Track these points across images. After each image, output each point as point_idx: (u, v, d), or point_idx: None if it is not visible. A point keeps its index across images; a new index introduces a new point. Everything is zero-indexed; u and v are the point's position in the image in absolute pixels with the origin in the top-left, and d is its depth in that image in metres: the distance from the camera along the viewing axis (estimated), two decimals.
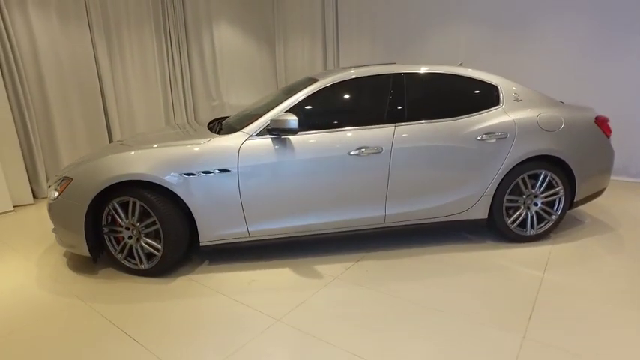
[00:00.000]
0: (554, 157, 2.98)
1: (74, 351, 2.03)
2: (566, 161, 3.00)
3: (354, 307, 2.34)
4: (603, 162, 3.19)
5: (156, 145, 2.71)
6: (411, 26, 5.77)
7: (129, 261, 2.76)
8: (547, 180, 3.03)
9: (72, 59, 4.72)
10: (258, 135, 2.74)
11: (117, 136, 5.21)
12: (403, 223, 2.97)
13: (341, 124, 2.84)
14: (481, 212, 3.02)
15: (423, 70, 3.04)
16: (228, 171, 2.66)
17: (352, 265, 2.86)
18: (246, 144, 2.70)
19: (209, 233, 2.75)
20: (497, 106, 3.01)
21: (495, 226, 3.09)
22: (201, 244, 2.77)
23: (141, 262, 2.73)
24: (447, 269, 2.76)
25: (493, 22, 5.19)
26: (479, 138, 2.88)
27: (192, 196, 2.64)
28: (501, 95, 3.05)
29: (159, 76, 5.71)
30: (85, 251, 2.69)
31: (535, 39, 4.98)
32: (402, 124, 2.86)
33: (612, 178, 4.79)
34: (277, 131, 2.65)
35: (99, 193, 2.60)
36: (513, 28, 5.09)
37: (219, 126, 3.24)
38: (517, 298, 2.39)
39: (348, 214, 2.86)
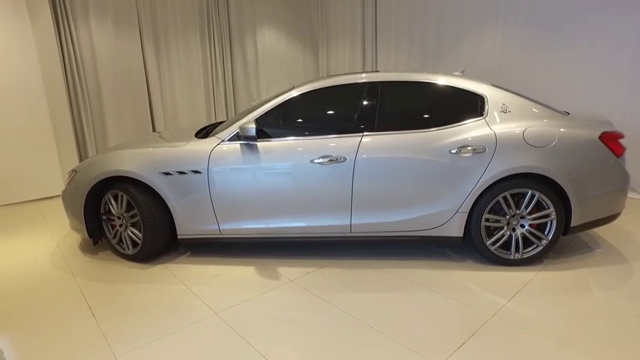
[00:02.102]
0: (543, 175, 2.70)
1: (41, 316, 2.42)
2: (557, 181, 2.70)
3: (291, 312, 2.42)
4: (611, 183, 2.80)
5: (145, 147, 3.05)
6: (447, 29, 5.52)
7: (120, 246, 3.16)
8: (534, 200, 2.76)
9: (124, 62, 5.40)
10: (229, 140, 2.93)
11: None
12: (371, 235, 2.93)
13: (310, 132, 2.91)
14: (455, 230, 2.85)
15: (402, 78, 2.95)
16: (200, 172, 2.89)
17: (313, 270, 2.92)
18: (217, 148, 2.91)
19: (185, 228, 3.02)
20: (480, 118, 2.81)
21: (474, 246, 2.90)
22: (178, 237, 3.05)
23: (128, 248, 3.10)
24: (405, 286, 2.68)
25: (530, 23, 4.74)
26: (453, 151, 2.73)
27: (170, 193, 2.93)
28: (486, 106, 2.84)
29: (202, 77, 6.23)
30: (85, 235, 3.14)
31: (574, 40, 4.44)
32: (370, 133, 2.83)
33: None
34: (243, 138, 2.82)
35: (101, 184, 3.04)
36: (551, 29, 4.60)
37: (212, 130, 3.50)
38: (461, 324, 2.25)
39: (313, 220, 2.91)
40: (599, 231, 3.47)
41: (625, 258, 2.98)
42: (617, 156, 2.76)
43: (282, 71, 7.07)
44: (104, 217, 3.15)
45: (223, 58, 6.38)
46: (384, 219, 2.87)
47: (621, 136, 2.81)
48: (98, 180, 2.98)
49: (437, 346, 2.08)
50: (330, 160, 2.78)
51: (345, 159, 2.78)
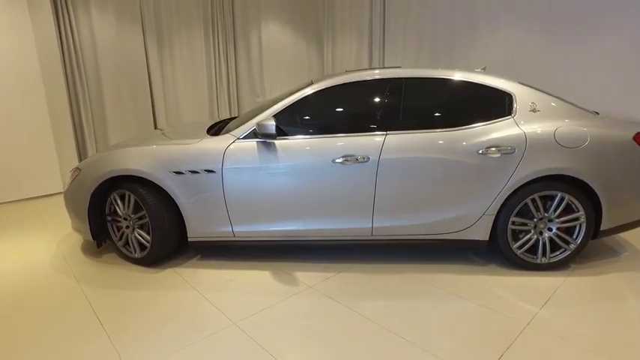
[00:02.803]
0: (574, 177, 2.60)
1: (46, 329, 2.25)
2: (589, 183, 2.59)
3: (312, 321, 2.28)
4: None
5: (153, 144, 2.88)
6: (458, 26, 5.39)
7: (126, 249, 2.99)
8: (564, 203, 2.65)
9: (125, 57, 5.20)
10: (245, 138, 2.77)
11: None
12: (392, 238, 2.80)
13: (331, 130, 2.76)
14: (481, 233, 2.74)
15: (427, 75, 2.82)
16: (214, 172, 2.73)
17: (333, 275, 2.79)
18: (232, 146, 2.75)
19: (196, 230, 2.86)
20: (508, 117, 2.69)
21: (500, 250, 2.79)
22: (189, 239, 2.90)
23: (135, 251, 2.94)
24: (430, 292, 2.56)
25: (543, 21, 4.64)
26: (480, 151, 2.61)
27: (181, 193, 2.77)
28: (515, 104, 2.72)
29: (205, 72, 6.04)
30: (88, 236, 2.96)
31: (592, 37, 4.35)
32: (395, 132, 2.69)
33: None
34: (261, 135, 2.67)
35: (107, 183, 2.86)
36: (568, 25, 4.49)
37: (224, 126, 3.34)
38: (495, 335, 2.14)
39: (332, 223, 2.78)
40: (623, 234, 3.38)
41: None
42: None
43: (287, 67, 6.90)
44: (109, 219, 2.98)
45: (227, 54, 6.20)
46: (407, 222, 2.74)
47: None
48: (105, 179, 2.81)
49: (474, 358, 1.96)
50: (352, 160, 2.64)
51: (368, 159, 2.64)
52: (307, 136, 2.74)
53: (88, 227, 2.92)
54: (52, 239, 3.47)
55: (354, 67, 6.77)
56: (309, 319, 2.29)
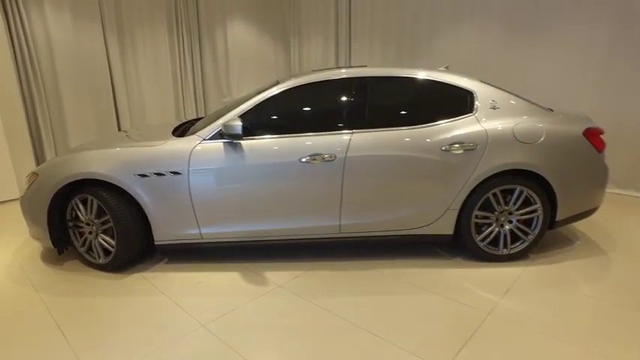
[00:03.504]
0: (532, 171, 2.72)
1: (3, 340, 2.15)
2: (545, 177, 2.72)
3: (282, 319, 2.29)
4: (593, 178, 2.87)
5: (116, 146, 2.80)
6: (423, 24, 5.53)
7: (90, 255, 2.89)
8: (523, 196, 2.77)
9: (84, 55, 5.01)
10: (211, 139, 2.74)
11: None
12: (360, 234, 2.85)
13: (297, 130, 2.77)
14: (446, 227, 2.83)
15: (392, 74, 2.88)
16: (180, 173, 2.69)
17: (301, 274, 2.80)
18: (199, 147, 2.72)
19: (163, 233, 2.81)
20: (470, 114, 2.79)
21: (464, 243, 2.89)
22: (155, 243, 2.84)
23: (99, 257, 2.85)
24: (397, 286, 2.62)
25: (504, 19, 4.83)
26: (443, 148, 2.69)
27: (146, 196, 2.71)
28: (476, 102, 2.82)
29: (170, 72, 5.91)
30: (48, 244, 2.84)
31: (551, 37, 4.57)
32: (361, 131, 2.73)
33: (619, 192, 4.39)
34: (227, 136, 2.64)
35: (66, 188, 2.75)
36: (526, 26, 4.70)
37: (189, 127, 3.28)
38: (459, 325, 2.21)
39: (301, 221, 2.79)
40: (576, 224, 3.58)
41: (602, 250, 3.07)
42: (599, 151, 2.83)
43: (254, 66, 6.85)
44: (71, 224, 2.87)
45: (192, 53, 6.09)
46: (374, 218, 2.79)
47: (602, 132, 2.88)
48: (65, 183, 2.70)
49: (439, 349, 2.02)
50: (319, 159, 2.66)
51: (334, 157, 2.67)
52: (274, 136, 2.74)
53: (48, 234, 2.81)
54: (8, 248, 3.30)
55: (321, 66, 6.80)
56: (278, 318, 2.30)
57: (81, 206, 2.79)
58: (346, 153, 2.67)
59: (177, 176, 2.69)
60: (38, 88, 4.60)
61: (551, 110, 3.05)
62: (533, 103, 2.94)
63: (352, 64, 6.39)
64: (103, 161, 2.71)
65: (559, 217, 2.84)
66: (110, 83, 5.28)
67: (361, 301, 2.46)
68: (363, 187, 2.72)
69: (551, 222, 2.88)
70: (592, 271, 2.75)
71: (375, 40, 6.02)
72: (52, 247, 2.87)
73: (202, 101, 6.36)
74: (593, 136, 2.80)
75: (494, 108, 2.81)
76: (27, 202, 2.84)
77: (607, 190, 4.45)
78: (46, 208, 2.74)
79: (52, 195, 2.72)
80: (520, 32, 4.76)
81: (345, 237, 2.85)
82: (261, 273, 2.83)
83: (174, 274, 2.83)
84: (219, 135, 2.72)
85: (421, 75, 2.88)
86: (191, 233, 2.81)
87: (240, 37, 6.61)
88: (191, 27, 5.99)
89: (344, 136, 2.71)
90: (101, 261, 2.84)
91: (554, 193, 2.78)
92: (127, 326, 2.25)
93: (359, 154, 2.68)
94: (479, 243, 2.85)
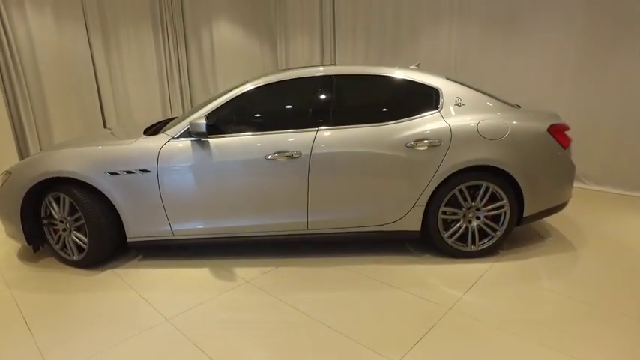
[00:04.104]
0: (497, 167, 2.75)
1: None
2: (511, 173, 2.75)
3: (246, 314, 2.33)
4: (559, 174, 2.90)
5: (88, 145, 2.85)
6: (405, 22, 5.57)
7: (64, 252, 2.94)
8: (489, 193, 2.80)
9: (68, 55, 5.05)
10: (179, 137, 2.78)
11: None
12: (328, 231, 2.89)
13: (264, 128, 2.82)
14: (413, 224, 2.86)
15: (357, 71, 2.91)
16: (149, 171, 2.73)
17: (270, 270, 2.84)
18: (167, 146, 2.76)
19: (135, 230, 2.85)
20: (435, 111, 2.82)
21: (432, 240, 2.92)
22: (128, 240, 2.88)
23: (73, 253, 2.90)
24: (362, 283, 2.65)
25: (484, 17, 4.86)
26: (408, 145, 2.72)
27: (117, 194, 2.75)
28: (441, 99, 2.85)
29: (156, 71, 5.96)
30: (23, 241, 2.90)
31: (527, 36, 4.59)
32: (326, 128, 2.77)
33: (597, 189, 4.41)
34: (193, 134, 2.69)
35: (40, 186, 2.80)
36: (504, 23, 4.73)
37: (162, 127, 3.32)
38: (419, 320, 2.25)
39: (269, 218, 2.83)
40: (550, 220, 3.60)
41: (572, 246, 3.10)
42: (564, 147, 2.85)
43: (240, 66, 6.88)
44: (45, 222, 2.92)
45: (178, 52, 6.13)
46: (341, 215, 2.83)
47: (567, 128, 2.90)
48: (37, 182, 2.75)
49: (395, 343, 2.06)
50: (284, 156, 2.70)
51: (300, 154, 2.70)
52: (241, 134, 2.78)
53: (22, 232, 2.86)
54: None
55: (307, 65, 6.84)
56: (241, 313, 2.34)
57: (54, 204, 2.84)
58: (311, 150, 2.71)
59: (147, 174, 2.73)
60: (22, 89, 4.65)
61: (519, 107, 3.08)
62: (500, 99, 2.97)
63: (337, 63, 6.42)
64: (74, 160, 2.76)
65: (526, 213, 2.87)
66: (95, 82, 5.32)
67: (325, 296, 2.50)
68: (329, 183, 2.75)
69: (519, 218, 2.91)
70: (558, 267, 2.78)
71: (358, 39, 6.06)
72: (27, 245, 2.92)
73: (189, 100, 6.41)
74: (557, 132, 2.83)
75: (459, 105, 2.84)
76: (0, 201, 2.90)
77: (584, 186, 4.53)
78: (19, 206, 2.79)
79: (24, 193, 2.77)
80: (497, 31, 4.78)
81: (313, 234, 2.89)
82: (230, 269, 2.87)
83: (146, 270, 2.88)
84: (187, 133, 2.77)
85: (388, 73, 2.91)
86: (162, 230, 2.85)
87: (227, 36, 6.65)
88: (176, 27, 6.03)
89: (309, 134, 2.74)
90: (75, 258, 2.89)
91: (520, 190, 2.80)
92: (94, 322, 2.30)
93: (324, 152, 2.71)
94: (447, 239, 2.88)
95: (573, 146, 3.02)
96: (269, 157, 2.70)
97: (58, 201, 2.83)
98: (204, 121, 2.60)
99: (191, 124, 2.63)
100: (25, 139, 4.77)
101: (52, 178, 2.78)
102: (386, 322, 2.24)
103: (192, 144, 2.75)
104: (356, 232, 2.89)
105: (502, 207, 2.83)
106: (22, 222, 2.84)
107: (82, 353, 2.03)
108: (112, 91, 5.52)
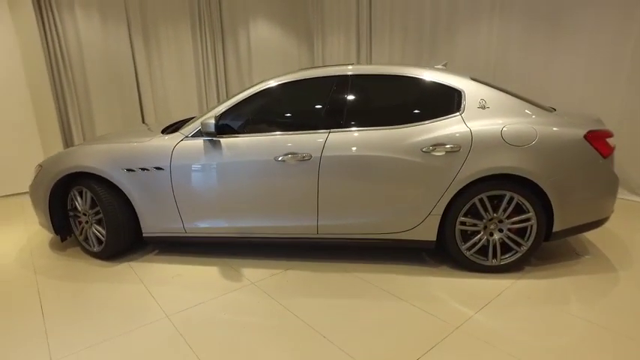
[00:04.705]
0: (522, 176, 2.51)
1: None
2: (538, 183, 2.50)
3: (244, 317, 2.30)
4: (597, 186, 2.59)
5: (111, 141, 2.97)
6: (442, 20, 5.30)
7: (86, 243, 3.09)
8: (513, 203, 2.57)
9: (112, 54, 5.35)
10: (193, 136, 2.82)
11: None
12: (339, 237, 2.79)
13: (276, 129, 2.77)
14: (428, 233, 2.69)
15: (375, 72, 2.78)
16: (163, 169, 2.79)
17: (278, 273, 2.80)
18: (181, 144, 2.80)
19: (150, 226, 2.93)
20: (456, 114, 2.62)
21: (448, 251, 2.73)
22: (143, 235, 2.97)
23: (93, 245, 3.03)
24: (369, 292, 2.54)
25: (526, 13, 4.49)
26: (424, 149, 2.55)
27: (133, 190, 2.84)
28: (463, 101, 2.65)
29: (193, 70, 6.14)
30: (51, 231, 3.08)
31: (573, 31, 4.19)
32: (338, 130, 2.67)
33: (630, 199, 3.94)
34: (204, 134, 2.70)
35: (66, 179, 2.97)
36: (549, 20, 4.34)
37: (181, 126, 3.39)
38: (420, 337, 2.10)
39: (279, 220, 2.79)
40: (591, 236, 3.26)
41: (613, 267, 2.77)
42: (604, 157, 2.54)
43: (277, 64, 6.93)
44: (71, 214, 3.08)
45: (215, 51, 6.28)
46: (352, 220, 2.72)
47: (609, 135, 2.59)
48: (62, 175, 2.91)
49: None
50: (294, 158, 2.64)
51: (310, 156, 2.63)
52: (252, 134, 2.76)
53: (50, 222, 3.04)
54: (26, 234, 3.62)
55: (331, 64, 6.74)
56: (240, 315, 2.32)
57: (78, 197, 2.99)
58: (322, 152, 2.63)
59: (161, 172, 2.79)
60: (69, 85, 4.98)
61: (554, 110, 2.79)
62: (531, 102, 2.71)
63: (373, 62, 6.26)
64: (96, 156, 2.88)
65: (556, 227, 2.60)
66: (135, 80, 5.59)
67: (328, 303, 2.42)
68: (339, 187, 2.66)
69: (548, 233, 2.65)
70: (591, 290, 2.49)
71: (394, 39, 5.87)
72: (55, 235, 3.10)
73: (225, 98, 6.54)
74: (597, 139, 2.53)
75: (483, 107, 2.62)
76: (33, 192, 3.10)
77: (637, 199, 4.05)
78: (47, 198, 2.97)
79: (51, 186, 2.94)
80: (541, 28, 4.40)
81: (323, 238, 2.81)
82: (239, 269, 2.87)
83: (159, 265, 2.95)
84: (200, 133, 2.79)
85: (408, 73, 2.75)
86: (175, 227, 2.91)
87: (264, 36, 6.71)
88: (214, 27, 6.18)
89: (321, 135, 2.66)
90: (95, 249, 3.03)
91: (549, 202, 2.54)
92: (100, 312, 2.38)
93: (335, 154, 2.62)
94: (465, 252, 2.69)
95: (627, 155, 2.69)
96: (279, 159, 2.66)
97: (81, 194, 2.98)
98: (213, 121, 2.61)
99: (202, 123, 2.65)
100: (71, 131, 5.11)
101: (79, 173, 2.93)
102: (384, 336, 2.11)
103: (205, 143, 2.77)
104: (367, 238, 2.77)
105: (528, 220, 2.59)
106: (51, 213, 3.03)
107: (81, 341, 2.11)
108: (151, 89, 5.76)
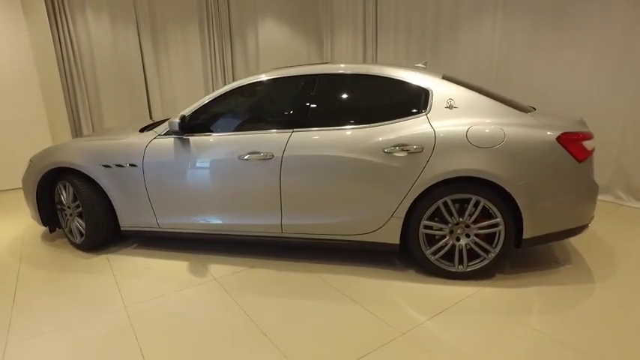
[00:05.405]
0: (487, 180, 2.40)
1: None
2: (505, 187, 2.38)
3: (195, 312, 2.34)
4: (572, 192, 2.43)
5: (92, 138, 3.11)
6: (444, 21, 5.17)
7: (70, 235, 3.24)
8: (479, 208, 2.46)
9: (121, 54, 5.58)
10: (165, 135, 2.89)
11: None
12: (302, 236, 2.78)
13: (242, 128, 2.81)
14: (391, 236, 2.62)
15: (342, 71, 2.75)
16: (136, 166, 2.89)
17: (242, 270, 2.83)
18: (153, 142, 2.89)
19: (126, 220, 3.04)
20: (421, 114, 2.54)
21: (413, 255, 2.66)
22: (121, 228, 3.09)
23: (76, 237, 3.18)
24: (325, 293, 2.51)
25: (531, 11, 4.27)
26: (386, 150, 2.50)
27: (110, 185, 2.96)
28: (430, 101, 2.56)
29: (201, 70, 6.30)
30: (39, 222, 3.26)
31: (581, 30, 3.93)
32: (301, 130, 2.66)
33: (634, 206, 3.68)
34: (171, 132, 2.77)
35: (53, 174, 3.13)
36: (554, 14, 4.10)
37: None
38: (361, 341, 2.05)
39: (245, 218, 2.81)
40: (579, 243, 3.06)
41: (591, 278, 2.59)
42: (579, 161, 2.38)
43: (285, 64, 6.96)
44: (58, 207, 3.25)
45: (223, 52, 6.40)
46: (314, 220, 2.70)
47: (587, 138, 2.42)
48: (47, 170, 3.07)
49: None
50: (257, 157, 2.66)
51: (272, 156, 2.64)
52: (219, 134, 2.80)
53: (38, 214, 3.22)
54: (24, 225, 3.84)
55: (351, 62, 6.68)
56: (193, 310, 2.36)
57: (63, 191, 3.14)
58: (283, 152, 2.63)
59: (134, 168, 2.89)
60: (80, 85, 5.25)
61: (534, 109, 2.65)
62: (508, 102, 2.59)
63: (379, 60, 6.18)
64: (77, 152, 3.02)
65: (526, 234, 2.47)
66: (143, 79, 5.81)
67: (281, 303, 2.42)
68: (301, 187, 2.65)
69: (519, 240, 2.52)
70: (558, 302, 2.34)
71: (399, 37, 5.76)
72: (43, 226, 3.28)
73: None
74: (571, 142, 2.37)
75: (450, 107, 2.53)
76: (23, 185, 3.29)
77: (631, 205, 3.78)
78: (34, 191, 3.14)
79: (38, 179, 3.11)
80: (548, 22, 4.17)
81: (288, 237, 2.81)
82: (207, 265, 2.92)
83: (134, 258, 3.05)
84: (172, 132, 2.86)
85: (373, 72, 2.70)
86: (149, 222, 3.00)
87: (272, 35, 6.77)
88: (222, 28, 6.30)
89: (284, 135, 2.66)
90: (77, 241, 3.18)
91: (518, 207, 2.42)
92: (67, 299, 2.50)
93: (296, 154, 2.61)
94: (429, 256, 2.60)
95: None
96: (243, 158, 2.68)
97: (65, 189, 3.13)
98: (177, 120, 2.68)
99: (168, 122, 2.72)
100: (81, 129, 5.37)
101: (63, 167, 3.09)
102: (325, 339, 2.08)
103: (175, 141, 2.84)
104: (331, 239, 2.74)
105: (496, 225, 2.47)
106: (40, 205, 3.20)
107: (41, 327, 2.22)
108: (159, 89, 5.96)
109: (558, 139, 2.37)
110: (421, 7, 5.40)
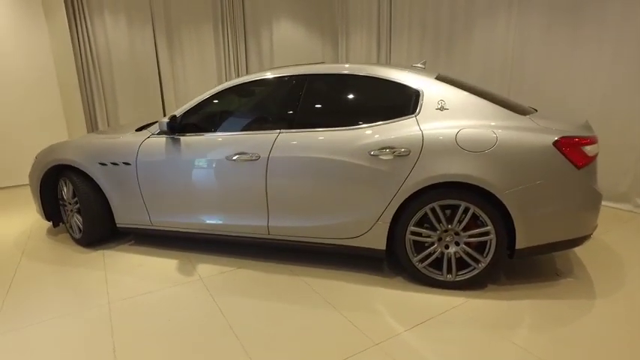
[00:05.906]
0: (477, 185, 2.28)
1: None
2: (495, 193, 2.25)
3: (175, 311, 2.35)
4: (572, 200, 2.27)
5: (92, 137, 3.19)
6: (458, 19, 4.99)
7: (71, 230, 3.34)
8: (469, 215, 2.34)
9: (137, 54, 5.72)
10: (158, 134, 2.92)
11: None
12: (289, 239, 2.74)
13: (231, 128, 2.80)
14: (377, 242, 2.54)
15: (332, 71, 2.68)
16: (130, 164, 2.94)
17: (229, 270, 2.82)
18: (147, 141, 2.93)
19: (122, 217, 3.10)
20: (410, 116, 2.44)
21: (400, 262, 2.56)
22: (117, 225, 3.15)
23: (75, 232, 3.28)
24: (308, 298, 2.46)
25: (546, 7, 4.04)
26: (372, 152, 2.41)
27: (106, 183, 3.03)
28: (420, 102, 2.46)
29: (215, 70, 6.37)
30: (43, 217, 3.38)
31: (601, 26, 3.68)
32: (288, 131, 2.62)
33: None
34: (162, 132, 2.80)
35: (55, 170, 3.24)
36: (571, 13, 3.86)
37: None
38: (332, 350, 1.99)
39: (232, 219, 2.80)
40: (585, 254, 2.86)
41: (592, 292, 2.41)
42: (579, 167, 2.22)
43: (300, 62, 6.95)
44: (61, 202, 3.36)
45: (237, 52, 6.45)
46: (300, 223, 2.65)
47: (589, 142, 2.25)
48: (49, 167, 3.18)
49: None
50: (244, 158, 2.64)
51: (258, 157, 2.61)
52: (210, 134, 2.80)
53: (42, 209, 3.34)
54: (33, 219, 3.99)
55: (366, 61, 6.57)
56: (173, 309, 2.37)
57: (64, 187, 3.25)
58: (270, 153, 2.59)
59: (128, 167, 2.94)
60: (97, 84, 5.43)
61: (535, 111, 2.50)
62: (505, 103, 2.45)
63: (392, 60, 6.04)
64: (77, 150, 3.11)
65: (519, 244, 2.32)
66: (158, 78, 5.93)
67: (260, 305, 2.38)
68: (287, 189, 2.60)
69: (512, 250, 2.37)
70: (551, 317, 2.19)
71: (413, 36, 5.62)
72: (46, 221, 3.40)
73: None
74: (569, 147, 2.21)
75: (441, 109, 2.41)
76: (30, 182, 3.42)
77: None
78: (38, 187, 3.26)
79: (41, 176, 3.22)
80: (564, 19, 3.93)
81: (274, 239, 2.77)
82: (196, 264, 2.93)
83: (128, 255, 3.11)
84: (162, 131, 2.89)
85: (364, 72, 2.62)
86: (143, 219, 3.05)
87: (287, 35, 6.77)
88: (236, 28, 6.35)
89: (270, 136, 2.63)
90: (77, 236, 3.27)
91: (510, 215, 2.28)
92: (58, 292, 2.57)
93: (282, 155, 2.57)
94: (416, 264, 2.50)
95: None
96: (231, 158, 2.67)
97: (66, 185, 3.23)
98: (166, 120, 2.70)
99: (158, 122, 2.75)
100: (97, 126, 5.56)
101: (65, 164, 3.18)
102: (296, 345, 2.03)
103: (167, 141, 2.86)
104: (317, 243, 2.68)
105: (487, 234, 2.34)
106: (43, 201, 3.32)
107: (28, 318, 2.30)
108: (173, 89, 6.08)
109: (555, 143, 2.21)
110: (435, 6, 5.25)
